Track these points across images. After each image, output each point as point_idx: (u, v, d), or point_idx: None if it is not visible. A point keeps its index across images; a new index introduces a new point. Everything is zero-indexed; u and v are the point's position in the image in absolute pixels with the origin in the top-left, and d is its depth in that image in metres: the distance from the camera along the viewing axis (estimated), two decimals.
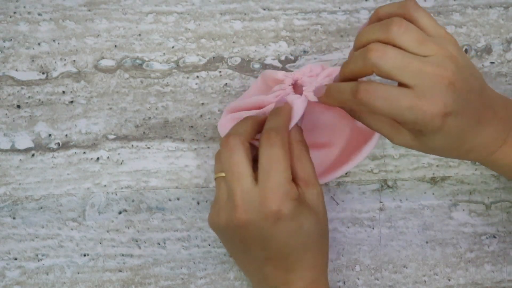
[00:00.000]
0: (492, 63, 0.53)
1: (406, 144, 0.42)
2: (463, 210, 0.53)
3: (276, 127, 0.43)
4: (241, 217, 0.41)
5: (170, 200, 0.52)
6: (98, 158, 0.51)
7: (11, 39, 0.51)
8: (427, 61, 0.38)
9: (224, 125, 0.47)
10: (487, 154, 0.44)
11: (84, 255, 0.51)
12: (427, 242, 0.53)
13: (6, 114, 0.51)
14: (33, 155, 0.51)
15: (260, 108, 0.46)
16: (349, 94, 0.39)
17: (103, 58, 0.51)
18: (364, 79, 0.41)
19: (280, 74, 0.46)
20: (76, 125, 0.51)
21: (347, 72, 0.41)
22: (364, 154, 0.49)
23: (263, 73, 0.48)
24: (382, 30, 0.39)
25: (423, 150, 0.43)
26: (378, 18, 0.41)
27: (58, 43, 0.51)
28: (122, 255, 0.51)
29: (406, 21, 0.39)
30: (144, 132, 0.52)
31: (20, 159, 0.51)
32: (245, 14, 0.52)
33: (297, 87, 0.46)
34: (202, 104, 0.52)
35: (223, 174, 0.43)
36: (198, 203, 0.52)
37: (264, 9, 0.52)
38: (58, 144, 0.51)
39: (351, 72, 0.40)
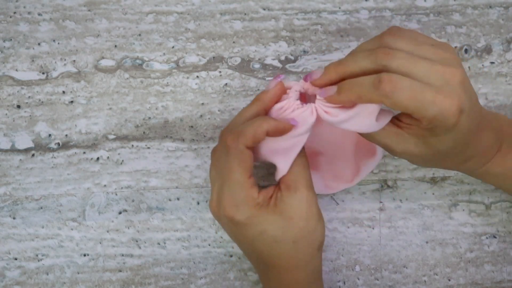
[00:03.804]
0: (492, 63, 0.53)
1: (407, 152, 0.42)
2: (463, 210, 0.53)
3: (239, 131, 0.42)
4: (219, 212, 0.43)
5: (170, 200, 0.52)
6: (98, 158, 0.51)
7: (11, 39, 0.51)
8: (434, 62, 0.38)
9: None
10: (483, 163, 0.44)
11: (84, 255, 0.51)
12: (427, 242, 0.53)
13: (6, 114, 0.51)
14: (33, 155, 0.51)
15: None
16: (370, 86, 0.38)
17: (103, 58, 0.51)
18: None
19: (290, 83, 0.44)
20: (76, 125, 0.51)
21: (351, 70, 0.40)
22: (367, 171, 0.49)
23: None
24: (375, 41, 0.40)
25: (428, 157, 0.42)
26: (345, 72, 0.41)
27: (58, 43, 0.51)
28: (122, 255, 0.51)
29: (399, 30, 0.40)
30: (144, 132, 0.52)
31: (20, 159, 0.51)
32: (245, 14, 0.52)
33: (307, 97, 0.44)
34: (202, 104, 0.52)
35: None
36: (198, 203, 0.52)
37: (264, 9, 0.52)
38: (58, 144, 0.51)
39: (355, 70, 0.40)
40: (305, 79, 0.42)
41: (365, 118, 0.40)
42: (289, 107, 0.42)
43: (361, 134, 0.43)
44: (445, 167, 0.45)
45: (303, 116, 0.42)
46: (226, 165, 0.42)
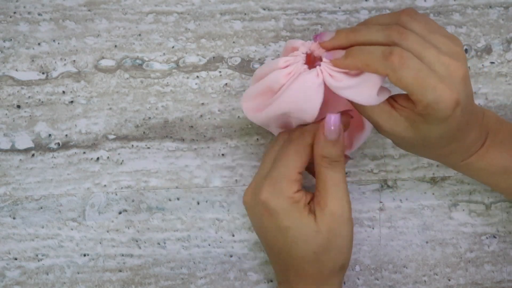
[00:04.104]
0: (492, 63, 0.53)
1: (395, 133, 0.42)
2: (463, 210, 0.53)
3: (305, 128, 0.44)
4: (254, 198, 0.45)
5: (170, 200, 0.52)
6: (98, 158, 0.51)
7: (11, 39, 0.51)
8: (443, 51, 0.39)
9: (250, 108, 0.45)
10: (465, 157, 0.45)
11: (84, 255, 0.51)
12: (427, 242, 0.53)
13: (6, 114, 0.51)
14: (33, 155, 0.51)
15: (274, 92, 0.43)
16: (380, 55, 0.38)
17: (103, 58, 0.51)
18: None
19: (298, 43, 0.43)
20: (76, 125, 0.51)
21: (362, 40, 0.40)
22: (357, 145, 0.49)
23: (286, 42, 0.45)
24: (392, 17, 0.40)
25: (410, 141, 0.42)
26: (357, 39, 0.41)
27: (58, 43, 0.51)
28: (122, 255, 0.51)
29: (415, 13, 0.40)
30: (144, 132, 0.52)
31: (20, 159, 0.51)
32: (245, 14, 0.52)
33: (312, 59, 0.43)
34: (202, 104, 0.52)
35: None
36: (198, 203, 0.52)
37: (264, 9, 0.52)
38: (58, 144, 0.51)
39: (366, 41, 0.40)
40: (315, 39, 0.42)
41: (367, 89, 0.40)
42: (296, 72, 0.41)
43: (354, 106, 0.42)
44: (426, 156, 0.46)
45: (308, 78, 0.41)
46: (283, 154, 0.43)
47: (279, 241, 0.44)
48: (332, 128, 0.42)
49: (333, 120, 0.42)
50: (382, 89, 0.41)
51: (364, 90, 0.40)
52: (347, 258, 0.45)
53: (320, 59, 0.41)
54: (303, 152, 0.43)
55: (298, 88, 0.41)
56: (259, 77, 0.44)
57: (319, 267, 0.44)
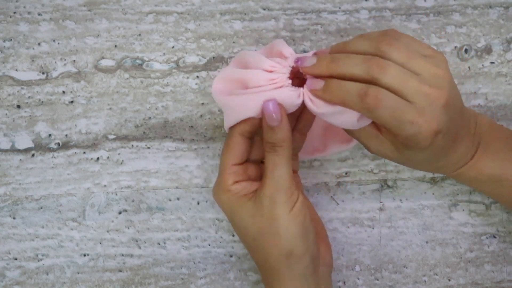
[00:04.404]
0: (492, 63, 0.53)
1: (381, 153, 0.43)
2: (463, 210, 0.53)
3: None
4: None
5: (170, 200, 0.52)
6: (98, 158, 0.51)
7: (11, 39, 0.51)
8: (424, 81, 0.39)
9: (220, 90, 0.45)
10: (456, 169, 0.46)
11: (84, 255, 0.51)
12: (427, 242, 0.53)
13: (6, 114, 0.51)
14: (33, 155, 0.51)
15: (247, 87, 0.43)
16: (356, 96, 0.39)
17: (103, 58, 0.51)
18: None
19: (287, 51, 0.44)
20: (76, 125, 0.51)
21: (342, 72, 0.41)
22: (333, 151, 0.50)
23: (274, 41, 0.46)
24: (371, 45, 0.40)
25: (400, 162, 0.44)
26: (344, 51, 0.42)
27: (58, 43, 0.51)
28: (122, 255, 0.51)
29: (396, 37, 0.40)
30: (144, 132, 0.52)
31: (20, 159, 0.51)
32: (245, 14, 0.52)
33: (296, 72, 0.44)
34: (202, 104, 0.52)
35: None
36: (198, 203, 0.52)
37: (264, 9, 0.52)
38: (58, 144, 0.51)
39: (346, 73, 0.40)
40: (296, 62, 0.43)
41: (347, 117, 0.41)
42: (279, 82, 0.42)
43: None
44: (420, 169, 0.48)
45: (289, 95, 0.42)
46: (222, 149, 0.46)
47: (235, 232, 0.46)
48: (271, 114, 0.42)
49: (271, 106, 0.42)
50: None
51: (344, 118, 0.41)
52: (293, 244, 0.43)
53: (305, 76, 0.43)
54: (235, 144, 0.44)
55: (279, 95, 0.42)
56: (239, 62, 0.45)
57: (263, 255, 0.44)
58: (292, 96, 0.42)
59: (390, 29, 0.41)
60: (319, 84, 0.41)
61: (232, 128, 0.44)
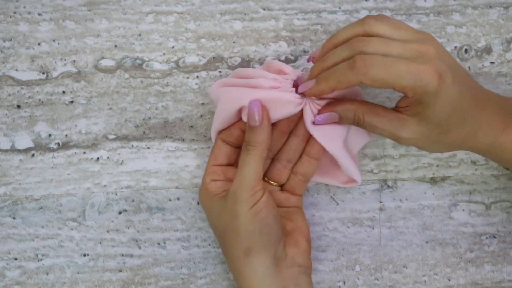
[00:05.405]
0: (492, 63, 0.53)
1: (412, 135, 0.43)
2: (463, 210, 0.53)
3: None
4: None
5: (170, 200, 0.52)
6: (98, 158, 0.51)
7: (11, 39, 0.51)
8: (410, 41, 0.40)
9: (217, 93, 0.47)
10: (491, 137, 0.44)
11: (84, 255, 0.51)
12: (427, 242, 0.53)
13: (6, 114, 0.51)
14: (33, 155, 0.51)
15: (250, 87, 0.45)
16: (346, 68, 0.40)
17: (103, 58, 0.51)
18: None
19: (287, 68, 0.45)
20: (76, 125, 0.51)
21: (331, 63, 0.42)
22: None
23: (269, 61, 0.48)
24: (358, 26, 0.42)
25: (428, 134, 0.43)
26: (335, 44, 0.43)
27: (58, 43, 0.51)
28: (122, 255, 0.51)
29: (381, 17, 0.42)
30: (144, 132, 0.52)
31: (20, 159, 0.51)
32: (245, 14, 0.52)
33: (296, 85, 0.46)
34: (202, 104, 0.52)
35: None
36: (198, 203, 0.52)
37: (264, 9, 0.52)
38: (58, 144, 0.51)
39: (335, 81, 0.41)
40: (297, 87, 0.45)
41: (334, 135, 0.45)
42: (283, 88, 0.44)
43: (364, 127, 0.45)
44: (453, 147, 0.44)
45: (289, 100, 0.44)
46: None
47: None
48: (254, 113, 0.43)
49: (255, 106, 0.43)
50: (360, 133, 0.46)
51: (330, 134, 0.45)
52: (251, 241, 0.43)
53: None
54: (215, 148, 0.47)
55: (280, 96, 0.44)
56: (238, 77, 0.47)
57: (227, 252, 0.45)
58: (294, 101, 0.44)
59: (379, 14, 0.43)
60: (311, 82, 0.43)
61: (217, 134, 0.47)
